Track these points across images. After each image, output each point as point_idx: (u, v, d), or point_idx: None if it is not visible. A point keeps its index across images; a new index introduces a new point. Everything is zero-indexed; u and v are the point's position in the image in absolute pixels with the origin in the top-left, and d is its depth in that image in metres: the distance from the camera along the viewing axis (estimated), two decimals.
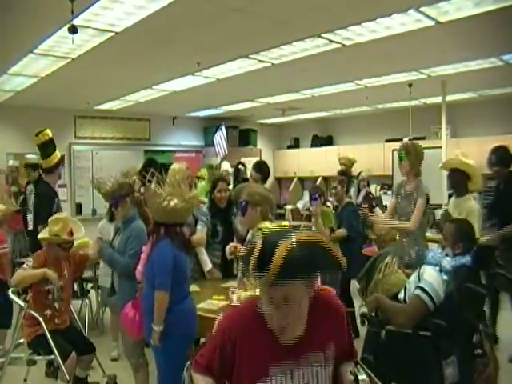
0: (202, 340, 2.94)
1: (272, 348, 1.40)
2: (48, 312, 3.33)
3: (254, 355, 1.42)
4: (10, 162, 7.50)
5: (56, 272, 3.36)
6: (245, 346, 1.44)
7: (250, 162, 9.25)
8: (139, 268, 2.91)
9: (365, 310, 2.93)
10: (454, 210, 3.67)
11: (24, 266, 3.35)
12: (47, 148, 4.56)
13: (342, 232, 4.79)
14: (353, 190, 7.15)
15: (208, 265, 3.90)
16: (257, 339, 1.42)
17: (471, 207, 3.56)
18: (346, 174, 5.74)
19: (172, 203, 2.73)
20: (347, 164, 7.29)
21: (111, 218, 4.32)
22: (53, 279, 3.32)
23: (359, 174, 7.22)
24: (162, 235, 2.80)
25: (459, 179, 3.67)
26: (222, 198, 4.01)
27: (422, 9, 3.86)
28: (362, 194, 6.80)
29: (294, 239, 1.33)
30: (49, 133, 4.54)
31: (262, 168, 4.37)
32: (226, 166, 7.19)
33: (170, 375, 2.69)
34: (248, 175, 7.02)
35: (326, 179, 10.10)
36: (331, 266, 1.40)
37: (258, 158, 10.26)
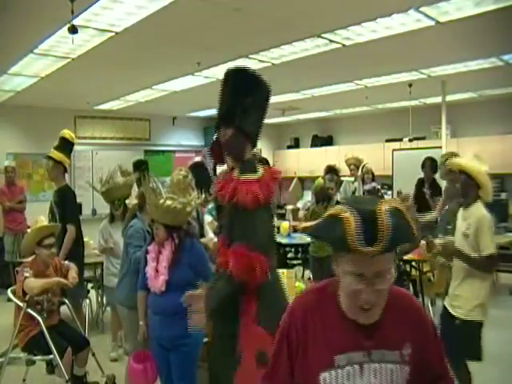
0: (205, 339, 2.94)
1: (340, 336, 1.29)
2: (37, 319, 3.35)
3: (319, 343, 1.30)
4: (6, 163, 7.20)
5: None
6: (310, 332, 1.32)
7: None
8: (163, 278, 2.77)
9: None
10: (463, 222, 3.12)
11: (27, 275, 3.35)
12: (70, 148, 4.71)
13: None
14: (356, 185, 7.13)
15: (213, 238, 3.97)
16: (323, 325, 1.31)
17: (481, 217, 2.98)
18: (338, 174, 5.76)
19: (173, 204, 2.73)
20: (357, 164, 7.24)
21: (112, 218, 4.33)
22: (66, 286, 3.44)
23: (363, 166, 7.15)
24: (183, 236, 2.84)
25: (466, 184, 3.10)
26: None
27: (422, 9, 3.86)
28: (368, 187, 6.67)
29: (385, 206, 1.25)
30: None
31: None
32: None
33: (191, 371, 2.82)
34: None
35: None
36: (410, 236, 1.29)
37: None
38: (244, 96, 2.15)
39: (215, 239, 3.96)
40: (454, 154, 5.06)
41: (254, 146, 2.26)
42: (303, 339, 1.32)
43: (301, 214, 5.99)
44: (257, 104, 2.20)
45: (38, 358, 3.32)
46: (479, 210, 3.01)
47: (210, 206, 4.27)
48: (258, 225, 2.06)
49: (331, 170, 5.91)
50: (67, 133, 4.66)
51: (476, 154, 3.18)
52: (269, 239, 2.15)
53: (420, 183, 6.34)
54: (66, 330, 3.52)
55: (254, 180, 2.08)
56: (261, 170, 2.15)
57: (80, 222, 4.54)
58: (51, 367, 3.40)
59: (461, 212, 3.23)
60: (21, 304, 3.32)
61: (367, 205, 1.26)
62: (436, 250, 3.16)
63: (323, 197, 5.06)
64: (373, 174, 6.95)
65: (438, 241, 3.25)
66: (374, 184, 6.69)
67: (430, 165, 6.18)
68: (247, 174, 2.09)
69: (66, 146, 4.61)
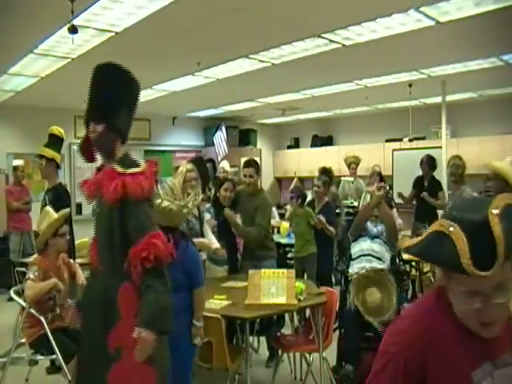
0: (205, 339, 2.93)
1: (468, 351, 1.18)
2: (49, 315, 3.35)
3: (451, 364, 1.16)
4: (15, 162, 7.16)
5: (57, 277, 3.39)
6: (437, 357, 1.16)
7: None
8: None
9: None
10: None
11: (30, 276, 3.34)
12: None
13: (332, 230, 5.02)
14: (356, 184, 7.15)
15: (215, 243, 3.96)
16: (449, 344, 1.18)
17: None
18: (330, 176, 5.78)
19: (169, 206, 2.71)
20: (356, 163, 7.26)
21: None
22: (61, 290, 3.37)
23: (371, 168, 7.19)
24: (179, 238, 2.81)
25: (502, 188, 2.87)
26: (227, 197, 4.18)
27: (422, 9, 3.86)
28: None
29: (496, 208, 1.09)
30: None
31: (249, 163, 4.41)
32: (226, 166, 7.17)
33: (186, 375, 2.79)
34: (217, 173, 7.14)
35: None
36: None
37: (257, 158, 10.29)
38: (115, 92, 2.15)
39: (216, 244, 3.95)
40: (458, 157, 5.11)
41: (124, 142, 2.24)
42: (430, 367, 1.16)
43: (286, 215, 6.07)
44: (128, 100, 2.21)
45: (42, 357, 3.31)
46: None
47: (208, 204, 4.27)
48: (149, 215, 2.09)
49: (322, 171, 5.99)
50: (56, 129, 4.66)
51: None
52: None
53: (419, 181, 6.36)
54: (76, 334, 3.50)
55: (140, 173, 2.08)
56: (142, 163, 2.15)
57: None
58: (55, 368, 3.39)
59: None
60: (23, 304, 3.32)
61: (474, 212, 1.11)
62: None
63: (297, 195, 5.13)
64: (380, 175, 6.97)
65: None
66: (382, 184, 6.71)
67: (427, 162, 6.25)
68: (132, 168, 2.08)
69: (55, 142, 4.62)
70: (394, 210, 4.96)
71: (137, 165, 2.12)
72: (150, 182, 2.08)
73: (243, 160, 4.75)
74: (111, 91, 2.15)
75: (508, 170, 2.91)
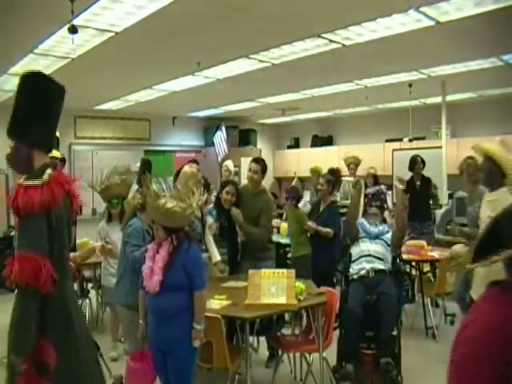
0: (205, 340, 2.93)
1: None
2: None
3: None
4: None
5: None
6: None
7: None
8: (157, 278, 2.74)
9: None
10: (487, 208, 2.90)
11: None
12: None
13: (329, 232, 4.93)
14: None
15: (216, 256, 3.96)
16: None
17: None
18: (335, 176, 5.79)
19: (173, 207, 2.71)
20: (355, 163, 7.28)
21: (109, 218, 4.32)
22: None
23: (368, 170, 7.22)
24: (183, 239, 2.81)
25: (491, 171, 2.89)
26: (227, 200, 4.15)
27: (422, 9, 3.87)
28: (372, 190, 6.71)
29: None
30: None
31: (258, 160, 4.43)
32: (230, 165, 7.15)
33: (187, 376, 2.80)
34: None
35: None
36: None
37: None
38: (23, 102, 2.11)
39: (217, 257, 3.96)
40: (469, 157, 5.12)
41: (45, 150, 2.19)
42: None
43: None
44: (41, 108, 2.14)
45: None
46: (508, 196, 2.64)
47: (210, 206, 4.28)
48: (40, 231, 2.00)
49: (329, 171, 6.00)
50: None
51: (502, 141, 2.97)
52: (58, 247, 2.08)
53: (410, 182, 6.41)
54: None
55: (37, 185, 2.01)
56: (46, 175, 2.07)
57: None
58: None
59: (487, 197, 3.03)
60: None
61: None
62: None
63: (292, 196, 5.20)
64: (375, 177, 6.97)
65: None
66: (377, 187, 6.75)
67: (422, 160, 6.34)
68: (30, 180, 2.04)
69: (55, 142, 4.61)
70: (387, 213, 4.99)
71: (39, 177, 2.05)
72: (46, 196, 2.00)
73: (243, 160, 4.80)
74: (20, 103, 2.12)
75: (495, 150, 2.88)
